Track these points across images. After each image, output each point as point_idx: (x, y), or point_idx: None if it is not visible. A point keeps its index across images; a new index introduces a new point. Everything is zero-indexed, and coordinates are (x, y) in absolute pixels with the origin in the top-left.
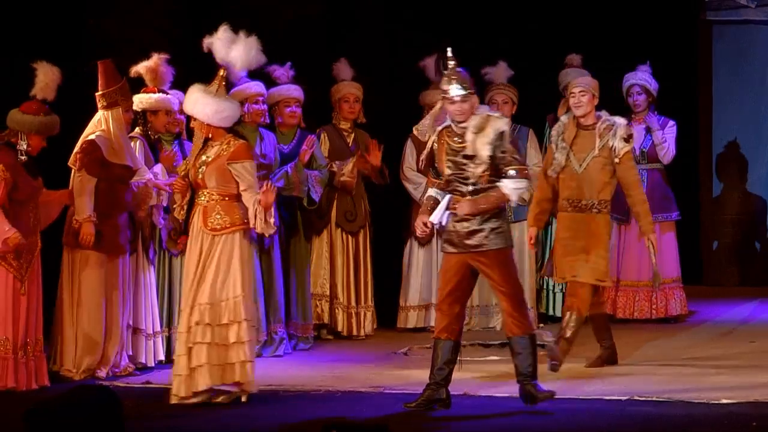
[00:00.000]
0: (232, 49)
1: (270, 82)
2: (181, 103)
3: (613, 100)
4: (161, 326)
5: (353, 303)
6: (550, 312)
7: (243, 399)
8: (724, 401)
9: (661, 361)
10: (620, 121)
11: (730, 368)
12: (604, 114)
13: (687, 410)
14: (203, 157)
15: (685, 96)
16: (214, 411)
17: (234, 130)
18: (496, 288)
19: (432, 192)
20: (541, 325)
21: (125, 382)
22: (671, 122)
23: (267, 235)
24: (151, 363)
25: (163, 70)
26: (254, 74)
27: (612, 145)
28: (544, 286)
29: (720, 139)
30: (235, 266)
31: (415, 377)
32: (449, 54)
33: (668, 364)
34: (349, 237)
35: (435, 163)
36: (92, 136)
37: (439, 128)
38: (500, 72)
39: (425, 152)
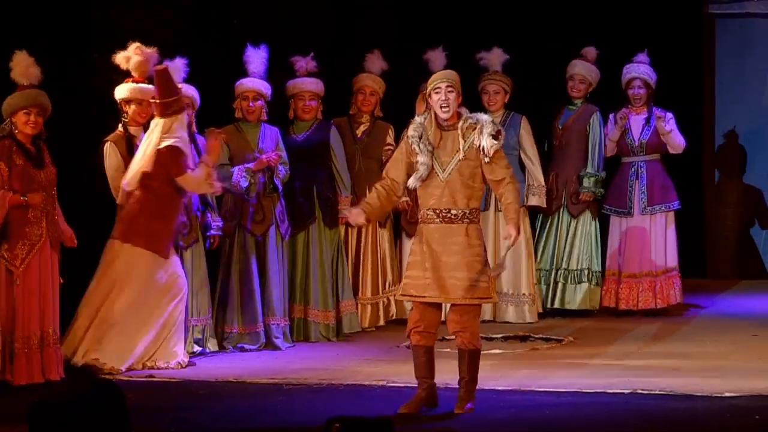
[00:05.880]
0: None
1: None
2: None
3: (615, 92)
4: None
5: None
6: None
7: None
8: (727, 394)
9: (663, 354)
10: (484, 117)
11: (733, 361)
12: (464, 111)
13: (690, 403)
14: None
15: (689, 88)
16: (218, 405)
17: None
18: None
19: None
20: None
21: (128, 375)
22: (669, 114)
23: None
24: None
25: (151, 61)
26: (277, 63)
27: (479, 145)
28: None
29: (723, 131)
30: None
31: None
32: None
33: (670, 357)
34: (372, 228)
35: None
36: (168, 142)
37: None
38: (495, 57)
39: None
